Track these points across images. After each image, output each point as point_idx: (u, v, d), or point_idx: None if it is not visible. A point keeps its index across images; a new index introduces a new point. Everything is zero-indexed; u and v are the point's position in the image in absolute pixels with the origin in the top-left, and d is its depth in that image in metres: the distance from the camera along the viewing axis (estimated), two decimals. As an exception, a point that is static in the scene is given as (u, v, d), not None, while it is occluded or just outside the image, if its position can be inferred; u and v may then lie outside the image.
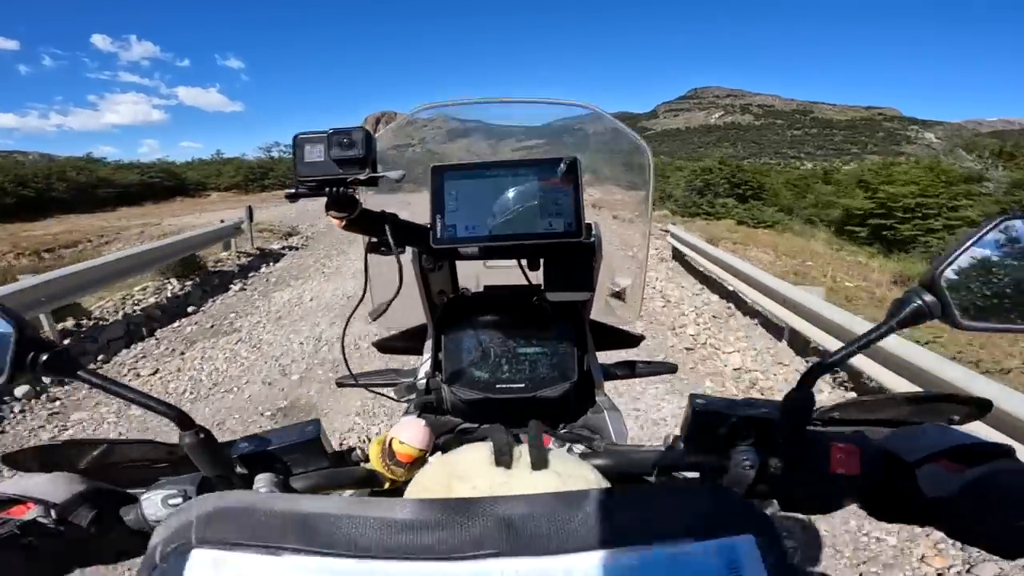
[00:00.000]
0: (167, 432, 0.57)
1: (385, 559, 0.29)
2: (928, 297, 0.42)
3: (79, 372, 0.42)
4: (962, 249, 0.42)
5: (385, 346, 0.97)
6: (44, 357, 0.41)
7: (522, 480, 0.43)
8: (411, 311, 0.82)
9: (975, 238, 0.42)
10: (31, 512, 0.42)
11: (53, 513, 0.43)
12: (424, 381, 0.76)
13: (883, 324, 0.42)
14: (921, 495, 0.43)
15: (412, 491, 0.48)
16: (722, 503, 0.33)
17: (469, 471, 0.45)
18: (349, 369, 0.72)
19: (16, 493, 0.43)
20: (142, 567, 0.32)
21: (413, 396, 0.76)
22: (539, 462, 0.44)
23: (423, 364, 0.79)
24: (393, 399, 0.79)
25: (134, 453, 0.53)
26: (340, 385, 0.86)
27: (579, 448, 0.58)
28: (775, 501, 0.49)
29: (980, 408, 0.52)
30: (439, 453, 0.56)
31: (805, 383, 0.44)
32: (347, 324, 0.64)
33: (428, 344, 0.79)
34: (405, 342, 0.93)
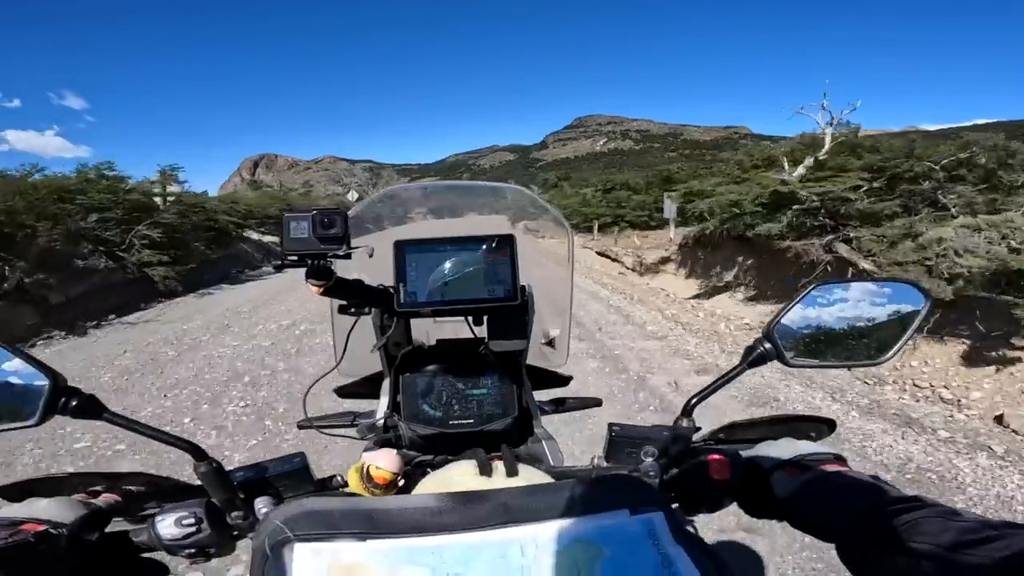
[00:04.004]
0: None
1: (434, 534, 0.41)
2: (767, 345, 0.58)
3: (104, 414, 0.51)
4: (790, 307, 0.58)
5: (345, 391, 1.05)
6: (74, 403, 0.49)
7: (501, 484, 0.56)
8: (368, 361, 0.91)
9: (799, 299, 0.58)
10: (42, 528, 0.46)
11: (65, 531, 0.47)
12: (382, 420, 0.85)
13: (738, 366, 0.59)
14: (774, 495, 0.56)
15: None
16: (641, 488, 0.49)
17: (463, 480, 0.59)
18: (306, 414, 0.89)
19: (27, 516, 0.48)
20: (253, 563, 0.41)
21: (372, 434, 0.85)
22: (512, 471, 0.60)
23: (380, 406, 0.88)
24: (353, 437, 0.89)
25: (126, 483, 0.59)
26: (301, 427, 0.95)
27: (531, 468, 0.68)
28: (677, 504, 0.62)
29: (829, 426, 0.68)
30: (429, 472, 0.68)
31: (685, 413, 0.60)
32: (309, 388, 0.83)
33: (384, 388, 0.89)
34: (363, 387, 1.01)
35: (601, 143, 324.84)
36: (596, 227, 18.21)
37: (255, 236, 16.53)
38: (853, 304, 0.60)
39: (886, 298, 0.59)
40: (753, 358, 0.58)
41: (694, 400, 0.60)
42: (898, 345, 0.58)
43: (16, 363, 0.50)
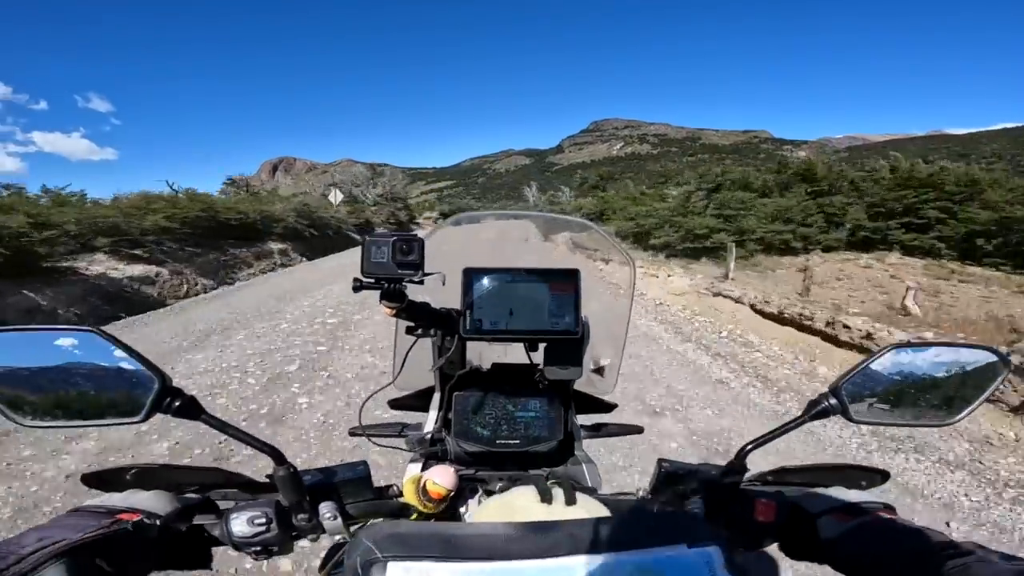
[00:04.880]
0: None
1: (505, 560, 0.45)
2: (832, 400, 0.59)
3: (202, 416, 0.54)
4: (860, 368, 0.59)
5: (397, 403, 1.08)
6: (177, 403, 0.52)
7: (561, 512, 0.61)
8: (422, 376, 0.93)
9: (870, 360, 0.59)
10: (138, 518, 0.52)
11: (158, 522, 0.53)
12: (431, 435, 0.89)
13: (800, 417, 0.60)
14: (819, 539, 0.58)
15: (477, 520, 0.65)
16: (698, 523, 0.53)
17: (525, 505, 0.63)
18: (360, 423, 0.91)
19: (127, 506, 0.54)
20: None
21: (420, 447, 0.88)
22: (570, 500, 0.62)
23: (429, 419, 0.92)
24: (402, 448, 0.93)
25: (201, 476, 0.63)
26: (352, 434, 0.97)
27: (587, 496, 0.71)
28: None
29: (882, 477, 0.69)
30: (479, 489, 0.76)
31: (739, 456, 0.62)
32: (366, 400, 0.94)
33: (435, 403, 0.93)
34: (414, 401, 1.05)
35: (618, 147, 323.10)
36: (731, 254, 10.39)
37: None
38: (926, 366, 0.60)
39: (962, 362, 0.59)
40: (816, 412, 0.60)
41: (749, 446, 0.62)
42: (970, 408, 0.59)
43: (127, 360, 0.51)
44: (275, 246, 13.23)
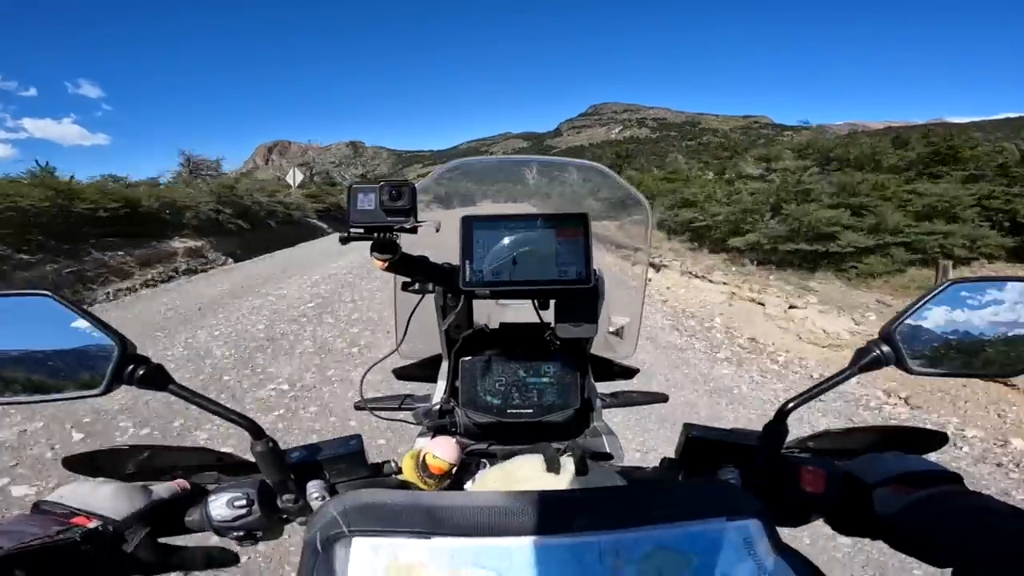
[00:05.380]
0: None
1: (501, 536, 0.38)
2: (885, 348, 0.50)
3: (170, 386, 0.49)
4: (915, 307, 0.50)
5: (402, 373, 1.03)
6: (141, 371, 0.47)
7: (569, 483, 0.53)
8: (428, 343, 0.89)
9: (927, 298, 0.50)
10: (92, 524, 0.47)
11: (111, 528, 0.47)
12: (439, 406, 0.82)
13: (847, 369, 0.51)
14: (874, 513, 0.50)
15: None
16: (736, 494, 0.46)
17: (529, 475, 0.55)
18: (362, 395, 0.89)
19: (79, 507, 0.48)
20: (304, 557, 0.38)
21: (428, 420, 0.82)
22: (581, 470, 0.54)
23: (437, 390, 0.86)
24: (409, 422, 0.86)
25: (187, 458, 0.59)
26: (357, 408, 0.93)
27: (601, 466, 0.64)
28: None
29: (939, 441, 0.61)
30: (486, 463, 0.69)
31: (779, 417, 0.53)
32: (368, 369, 0.82)
33: (443, 371, 0.86)
34: (421, 370, 0.98)
35: (616, 131, 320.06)
36: (945, 267, 6.96)
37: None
38: (991, 306, 0.51)
39: None
40: (866, 362, 0.50)
41: (791, 404, 0.52)
42: None
43: (83, 325, 0.46)
44: (181, 244, 9.95)
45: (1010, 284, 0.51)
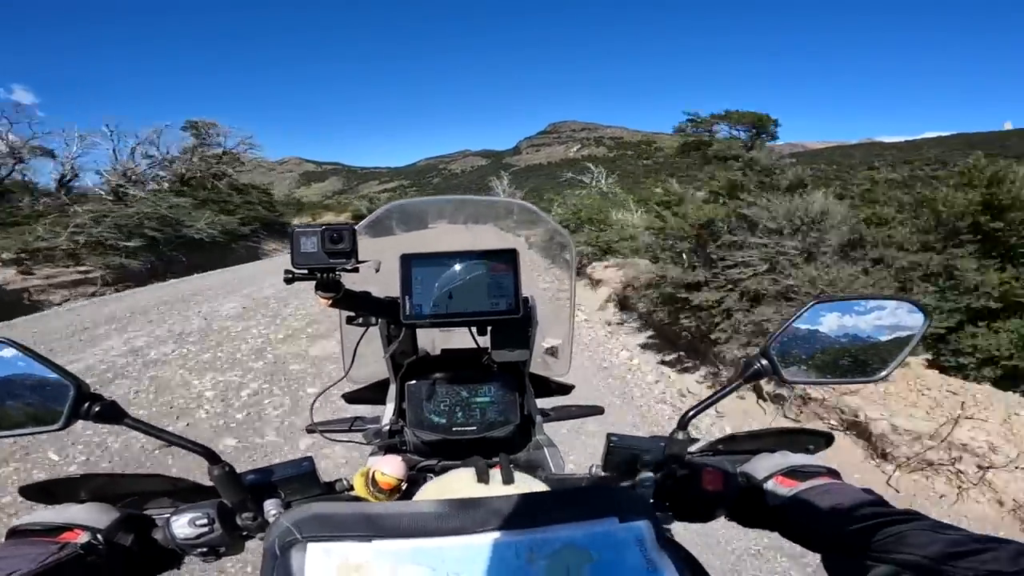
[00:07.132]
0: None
1: (434, 537, 0.43)
2: (764, 361, 0.58)
3: (125, 420, 0.53)
4: (786, 326, 0.58)
5: (352, 397, 1.07)
6: (96, 408, 0.52)
7: (497, 491, 0.59)
8: (376, 367, 0.94)
9: (795, 317, 0.58)
10: (83, 536, 0.50)
11: (100, 537, 0.51)
12: (388, 426, 0.87)
13: (734, 380, 0.60)
14: (766, 505, 0.58)
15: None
16: (630, 498, 0.51)
17: (460, 486, 0.61)
18: (312, 419, 0.93)
19: (63, 521, 0.51)
20: (263, 562, 0.43)
21: (378, 440, 0.87)
22: (508, 479, 0.61)
23: (386, 412, 0.91)
24: (360, 442, 0.92)
25: (141, 484, 0.62)
26: (309, 431, 0.97)
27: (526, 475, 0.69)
28: (671, 512, 0.65)
29: (826, 440, 0.68)
30: (432, 477, 0.72)
31: (681, 425, 0.61)
32: (317, 396, 0.87)
33: (391, 395, 0.90)
34: (370, 393, 1.04)
35: (575, 149, 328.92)
36: None
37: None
38: (851, 321, 0.59)
39: (884, 315, 0.59)
40: (749, 374, 0.59)
41: (690, 413, 0.61)
42: (896, 361, 0.59)
43: (41, 369, 0.52)
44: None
45: (865, 302, 0.59)
